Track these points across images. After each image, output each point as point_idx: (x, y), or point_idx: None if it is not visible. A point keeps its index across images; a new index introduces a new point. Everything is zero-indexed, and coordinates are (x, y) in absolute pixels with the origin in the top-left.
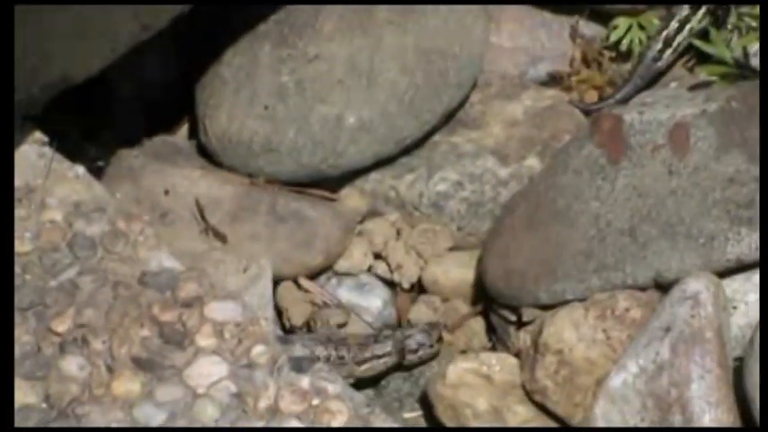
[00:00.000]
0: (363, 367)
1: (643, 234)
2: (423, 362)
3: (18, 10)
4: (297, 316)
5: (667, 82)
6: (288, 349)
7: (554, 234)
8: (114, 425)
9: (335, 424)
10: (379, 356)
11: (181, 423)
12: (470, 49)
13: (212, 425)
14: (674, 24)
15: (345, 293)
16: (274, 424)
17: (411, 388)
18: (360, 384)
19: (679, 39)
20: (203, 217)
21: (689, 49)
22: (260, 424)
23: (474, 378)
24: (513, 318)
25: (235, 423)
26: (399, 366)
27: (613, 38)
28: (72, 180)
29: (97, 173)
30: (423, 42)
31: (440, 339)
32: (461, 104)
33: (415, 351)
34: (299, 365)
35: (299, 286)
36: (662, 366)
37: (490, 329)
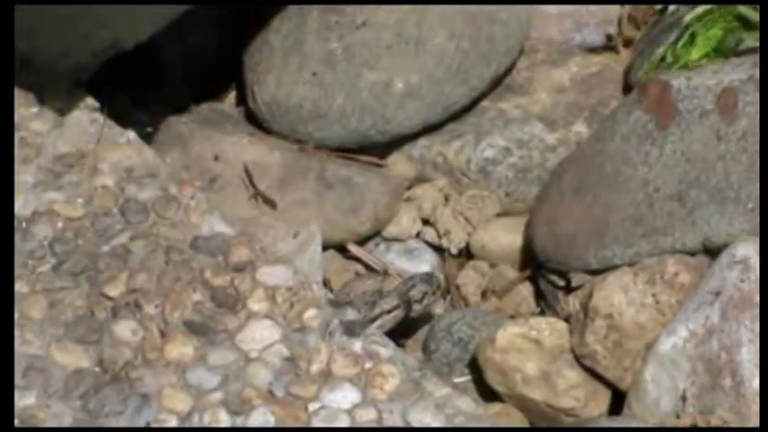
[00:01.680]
0: (375, 324)
1: (691, 199)
2: (427, 311)
3: None
4: (340, 283)
5: None
6: (340, 313)
7: (602, 199)
8: (168, 389)
9: (387, 387)
10: (389, 311)
11: (234, 387)
12: (517, 15)
13: (265, 388)
14: None
15: (394, 259)
16: (327, 387)
17: (461, 353)
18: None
19: None
20: (252, 183)
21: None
22: (313, 387)
23: (523, 342)
24: (561, 283)
25: (288, 387)
26: (406, 319)
27: (659, 5)
28: (123, 146)
29: (147, 139)
30: (470, 8)
31: (439, 286)
32: (508, 71)
33: (420, 300)
34: (351, 329)
35: (345, 252)
36: (712, 330)
37: (539, 295)
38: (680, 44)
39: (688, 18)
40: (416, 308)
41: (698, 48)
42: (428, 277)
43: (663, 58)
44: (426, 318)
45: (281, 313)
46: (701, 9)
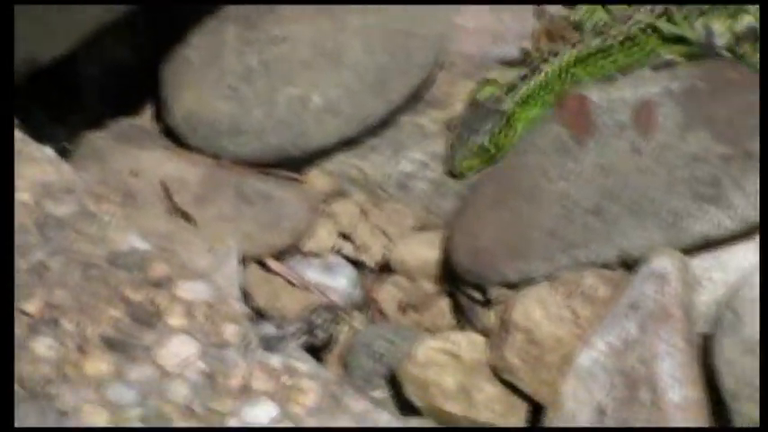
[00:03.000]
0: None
1: (609, 212)
2: (330, 338)
3: None
4: (261, 297)
5: None
6: (258, 328)
7: (520, 213)
8: (86, 405)
9: (306, 402)
10: (293, 335)
11: (153, 402)
12: (435, 28)
13: (184, 403)
14: None
15: (312, 274)
16: (245, 402)
17: (379, 367)
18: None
19: None
20: (170, 198)
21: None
22: (231, 402)
23: (442, 357)
24: (480, 297)
25: (206, 402)
26: (309, 345)
27: (576, 17)
28: (40, 161)
29: (65, 154)
30: (387, 23)
31: (338, 316)
32: (426, 84)
33: (323, 328)
34: (269, 344)
35: (264, 267)
36: (629, 344)
37: (457, 309)
38: (499, 132)
39: (508, 105)
40: (319, 335)
41: (518, 133)
42: (331, 307)
43: (484, 147)
44: (330, 343)
45: (199, 328)
46: (522, 92)
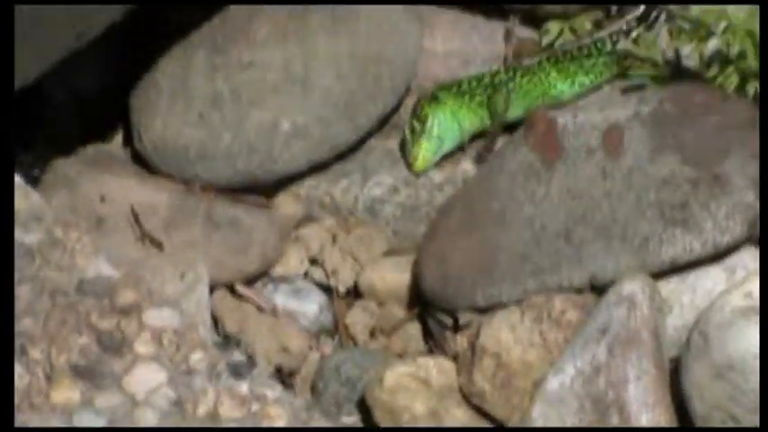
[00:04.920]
0: None
1: (578, 236)
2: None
3: None
4: (230, 323)
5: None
6: (226, 355)
7: (489, 237)
8: None
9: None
10: None
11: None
12: (404, 53)
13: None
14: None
15: (282, 299)
16: (214, 429)
17: (349, 393)
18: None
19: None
20: (139, 224)
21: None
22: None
23: (411, 382)
24: (449, 321)
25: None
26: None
27: (545, 41)
28: None
29: (33, 181)
30: (356, 48)
31: None
32: (396, 109)
33: None
34: (237, 371)
35: (233, 292)
36: (599, 368)
37: (427, 333)
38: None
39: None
40: None
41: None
42: None
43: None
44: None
45: (167, 356)
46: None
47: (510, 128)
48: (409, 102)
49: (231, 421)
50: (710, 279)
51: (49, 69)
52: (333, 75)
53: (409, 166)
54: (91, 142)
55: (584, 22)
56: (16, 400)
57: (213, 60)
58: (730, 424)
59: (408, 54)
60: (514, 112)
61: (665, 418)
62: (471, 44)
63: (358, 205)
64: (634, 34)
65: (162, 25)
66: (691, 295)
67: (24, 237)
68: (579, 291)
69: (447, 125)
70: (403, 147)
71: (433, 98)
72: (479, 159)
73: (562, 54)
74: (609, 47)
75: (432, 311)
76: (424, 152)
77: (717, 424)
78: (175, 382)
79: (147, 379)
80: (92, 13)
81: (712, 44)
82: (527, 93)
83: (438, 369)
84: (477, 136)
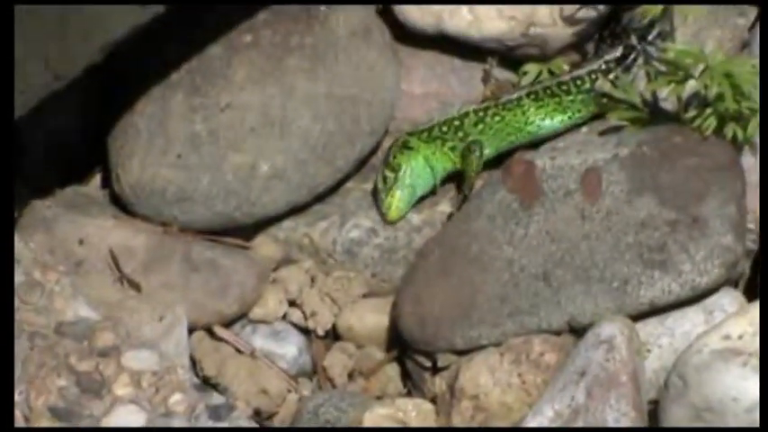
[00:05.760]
0: None
1: (557, 278)
2: None
3: None
4: (209, 365)
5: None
6: (205, 397)
7: (468, 279)
8: None
9: None
10: None
11: None
12: (382, 95)
13: None
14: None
15: (260, 341)
16: None
17: None
18: None
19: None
20: (117, 266)
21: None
22: None
23: (390, 424)
24: (428, 363)
25: None
26: None
27: (524, 83)
28: None
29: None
30: (334, 90)
31: None
32: (374, 151)
33: None
34: (216, 413)
35: (212, 335)
36: (577, 410)
37: (406, 375)
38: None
39: (393, 150)
40: None
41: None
42: None
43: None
44: None
45: (146, 398)
46: (402, 140)
47: (486, 166)
48: (387, 144)
49: None
50: (689, 321)
51: (26, 111)
52: (311, 116)
53: (383, 215)
54: (68, 184)
55: (562, 64)
56: None
57: (191, 102)
58: None
59: (386, 96)
60: (488, 151)
61: None
62: (449, 86)
63: (336, 247)
64: (612, 76)
65: (140, 66)
66: (669, 338)
67: None
68: (558, 333)
69: (419, 172)
70: (375, 195)
71: (405, 146)
72: (458, 207)
73: (541, 90)
74: (588, 84)
75: (410, 353)
76: (398, 202)
77: None
78: (154, 424)
79: (125, 421)
80: (70, 55)
81: (690, 86)
82: (499, 130)
83: (417, 411)
84: (450, 177)
